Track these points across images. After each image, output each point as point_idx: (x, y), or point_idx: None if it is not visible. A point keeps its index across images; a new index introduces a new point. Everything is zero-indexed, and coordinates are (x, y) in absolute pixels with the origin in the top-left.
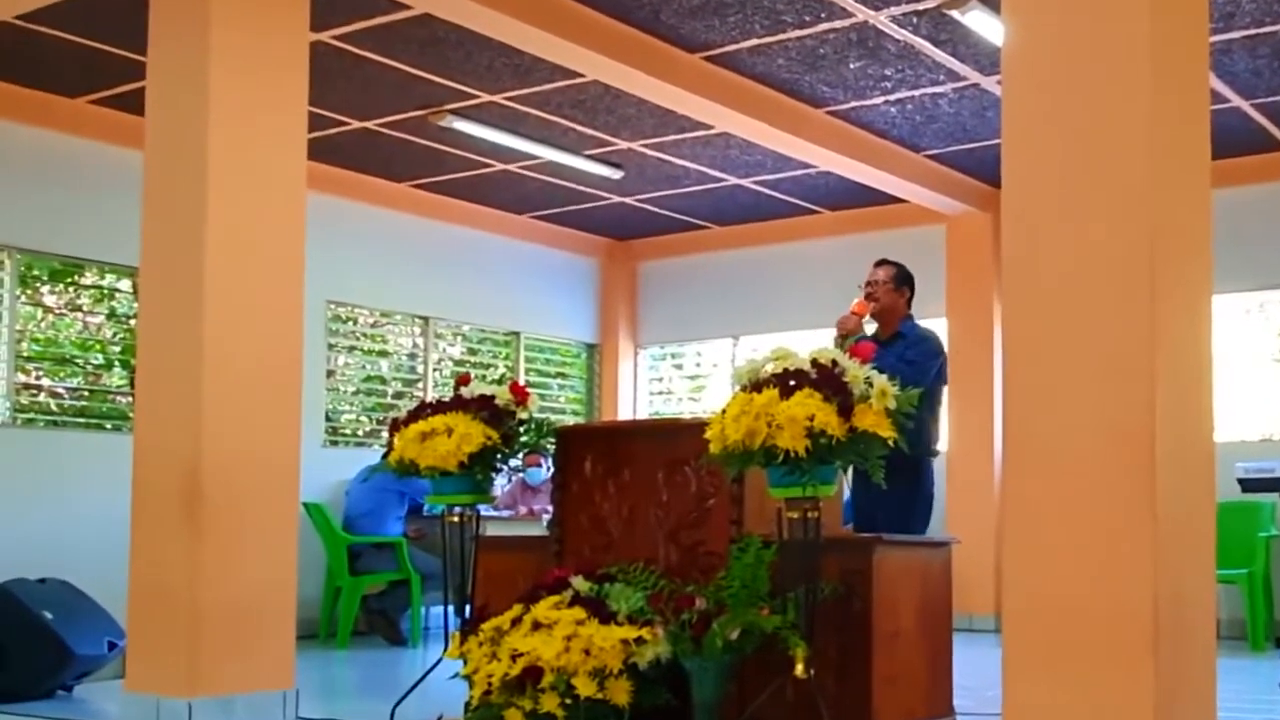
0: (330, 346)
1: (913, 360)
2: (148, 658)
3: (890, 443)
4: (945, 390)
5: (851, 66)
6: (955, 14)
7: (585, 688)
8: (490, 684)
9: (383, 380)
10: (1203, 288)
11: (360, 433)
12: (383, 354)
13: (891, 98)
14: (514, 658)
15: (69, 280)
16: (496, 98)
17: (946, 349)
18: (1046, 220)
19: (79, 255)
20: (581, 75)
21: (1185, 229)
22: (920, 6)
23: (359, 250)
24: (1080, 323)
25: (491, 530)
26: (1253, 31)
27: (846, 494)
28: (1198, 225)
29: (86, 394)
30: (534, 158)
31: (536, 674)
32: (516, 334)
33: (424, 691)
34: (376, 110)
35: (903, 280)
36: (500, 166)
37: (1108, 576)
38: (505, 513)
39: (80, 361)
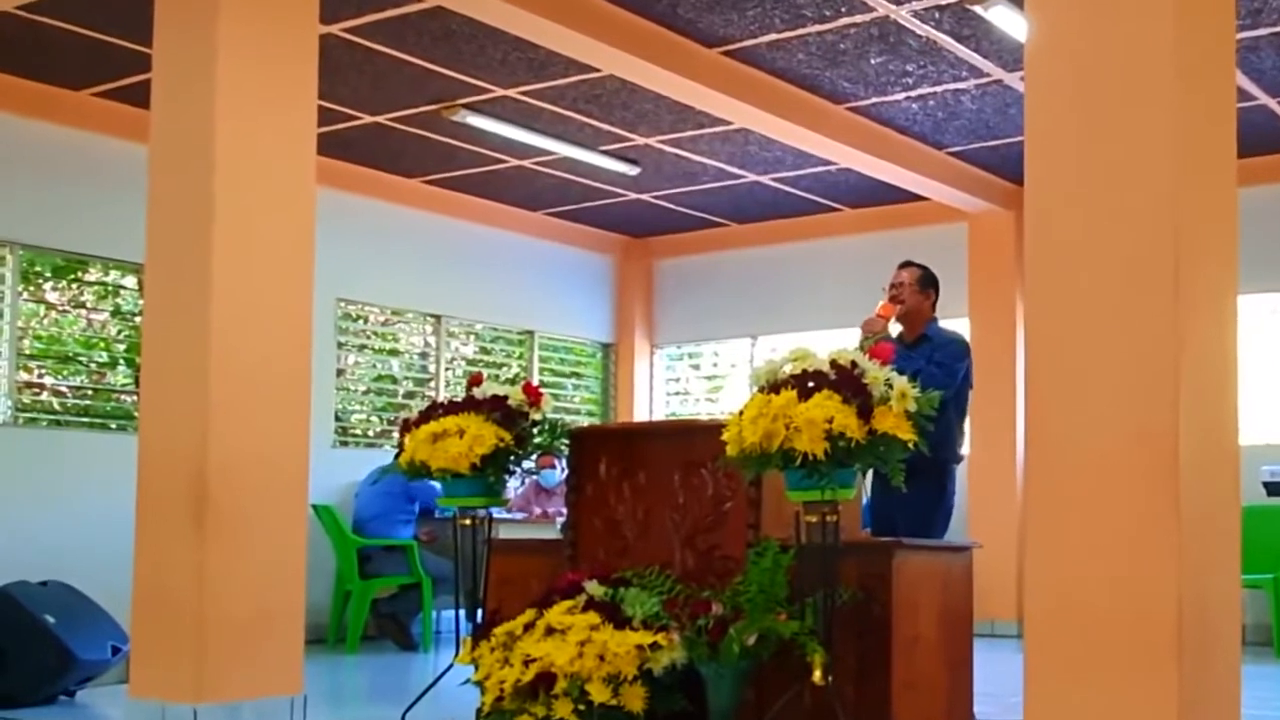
0: (340, 345)
1: (941, 362)
2: (152, 662)
3: (910, 445)
4: (971, 394)
5: (872, 62)
6: (978, 9)
7: (599, 694)
8: (502, 690)
9: (393, 380)
10: (1228, 287)
11: (370, 433)
12: (394, 353)
13: (913, 94)
14: (526, 663)
15: (72, 277)
16: (511, 92)
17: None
18: (1070, 219)
19: (82, 251)
20: (598, 70)
21: (1210, 228)
22: (943, 1)
23: (369, 247)
24: (1104, 323)
25: (504, 533)
26: None
27: (865, 497)
28: (1223, 224)
29: (90, 393)
30: (549, 153)
31: (550, 680)
32: (530, 333)
33: (435, 697)
34: (388, 105)
35: (928, 282)
36: (514, 162)
37: (1131, 581)
38: (518, 515)
39: (84, 360)
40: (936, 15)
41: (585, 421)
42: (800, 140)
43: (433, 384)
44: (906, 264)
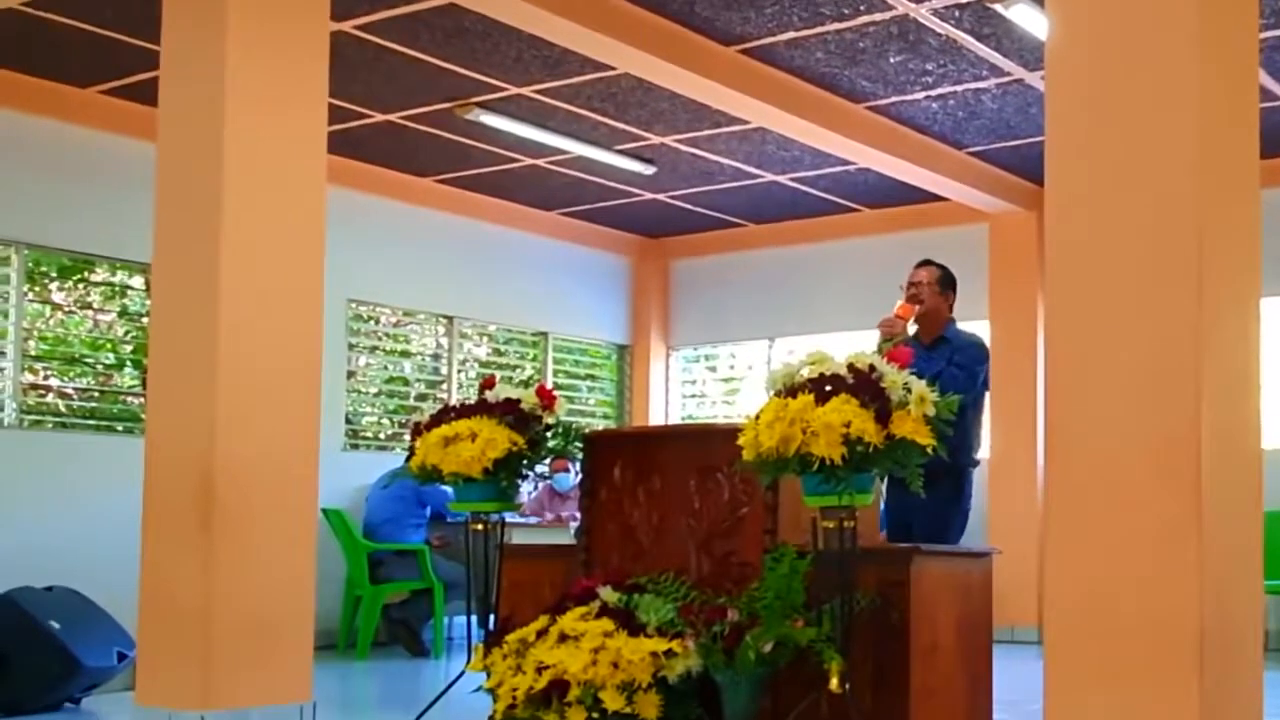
0: (351, 346)
1: (963, 365)
2: (159, 669)
3: (929, 450)
4: (987, 396)
5: (892, 60)
6: (998, 8)
7: (613, 702)
8: (515, 698)
9: (405, 382)
10: (1251, 289)
11: (382, 436)
12: (405, 354)
13: (933, 93)
14: (539, 670)
15: (78, 277)
16: (525, 90)
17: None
18: (1091, 219)
19: (89, 251)
20: (613, 68)
21: (1233, 229)
22: None
23: (381, 247)
24: (1125, 325)
25: (517, 538)
26: None
27: (881, 501)
28: (1246, 225)
29: (96, 395)
30: (563, 152)
31: (563, 687)
32: (544, 334)
33: (446, 705)
34: (400, 103)
35: (947, 283)
36: (528, 161)
37: (1152, 588)
38: (531, 519)
39: (90, 361)
40: (957, 14)
41: (600, 424)
42: (818, 140)
43: (445, 386)
44: (925, 263)
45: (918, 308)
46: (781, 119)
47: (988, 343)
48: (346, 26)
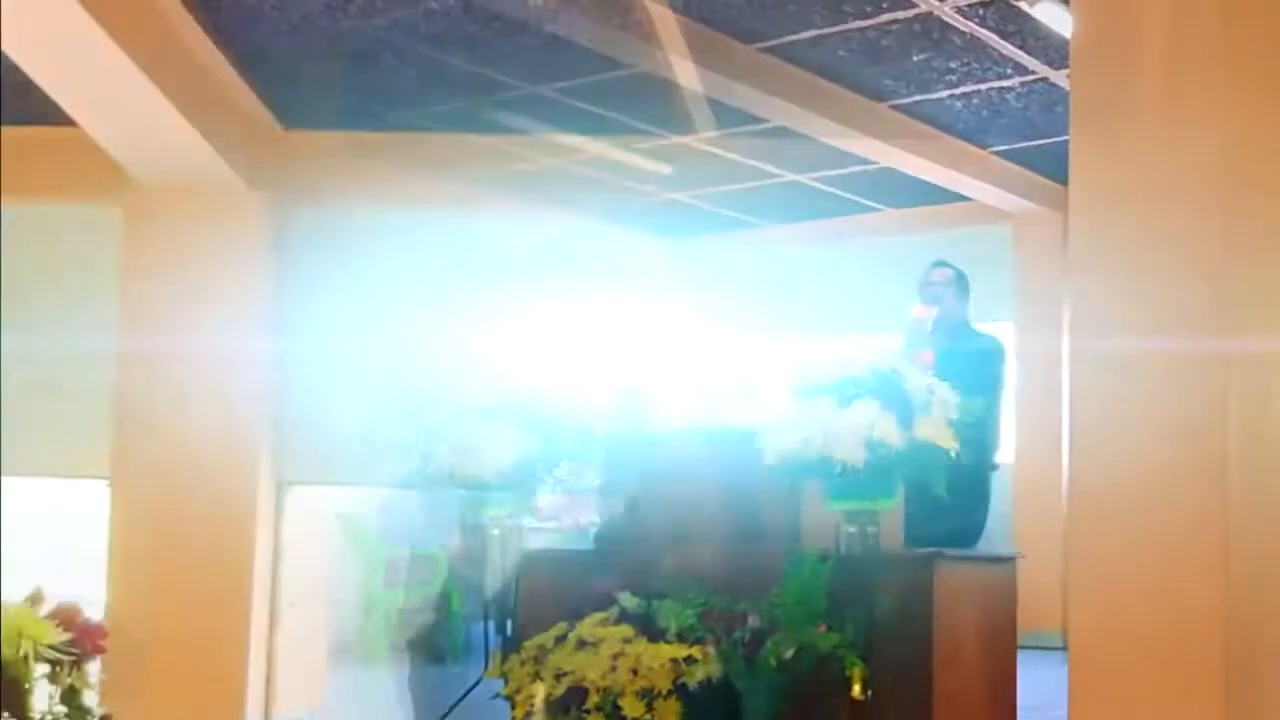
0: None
1: (984, 366)
2: None
3: (952, 454)
4: (1006, 397)
5: (915, 59)
6: (1023, 5)
7: (632, 709)
8: (533, 705)
9: None
10: (1278, 288)
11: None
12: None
13: (957, 91)
14: (558, 677)
15: None
16: (541, 89)
17: (1013, 355)
18: (1116, 219)
19: None
20: (631, 66)
21: (1262, 225)
22: None
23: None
24: (1151, 327)
25: (535, 542)
26: None
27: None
28: (1274, 222)
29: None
30: (581, 152)
31: (581, 694)
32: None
33: (463, 712)
34: (416, 101)
35: (961, 282)
36: (546, 161)
37: (1177, 593)
38: (550, 523)
39: None
40: (981, 11)
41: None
42: (840, 139)
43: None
44: (940, 263)
45: (936, 309)
46: (802, 118)
47: (1005, 344)
48: (362, 25)
